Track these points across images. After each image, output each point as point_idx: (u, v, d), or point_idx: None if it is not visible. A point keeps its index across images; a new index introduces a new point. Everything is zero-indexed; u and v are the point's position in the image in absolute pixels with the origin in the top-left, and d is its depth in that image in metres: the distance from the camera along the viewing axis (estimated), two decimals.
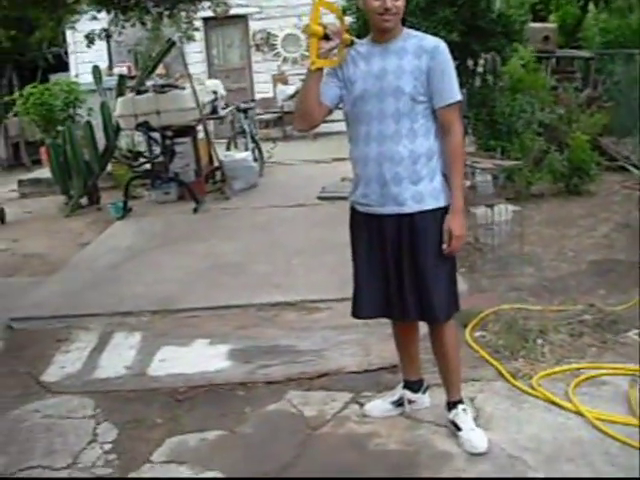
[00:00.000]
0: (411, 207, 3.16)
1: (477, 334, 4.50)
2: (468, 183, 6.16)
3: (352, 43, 3.26)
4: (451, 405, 3.41)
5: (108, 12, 8.58)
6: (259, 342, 4.63)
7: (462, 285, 5.32)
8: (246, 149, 10.03)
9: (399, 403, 3.60)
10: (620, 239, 6.48)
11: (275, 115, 13.81)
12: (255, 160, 9.95)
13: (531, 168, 8.01)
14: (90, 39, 8.51)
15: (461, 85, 7.75)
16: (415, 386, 3.61)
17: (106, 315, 5.27)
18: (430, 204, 3.16)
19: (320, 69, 3.17)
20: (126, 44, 12.02)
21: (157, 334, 4.90)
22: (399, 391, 3.62)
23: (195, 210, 8.33)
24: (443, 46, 3.16)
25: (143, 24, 8.27)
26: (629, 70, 10.35)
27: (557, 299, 5.05)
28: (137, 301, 5.48)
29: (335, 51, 3.19)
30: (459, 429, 3.33)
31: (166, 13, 8.58)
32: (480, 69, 8.51)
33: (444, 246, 3.13)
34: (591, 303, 4.79)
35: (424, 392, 3.63)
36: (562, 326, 4.49)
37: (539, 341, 4.29)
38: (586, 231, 6.82)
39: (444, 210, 3.18)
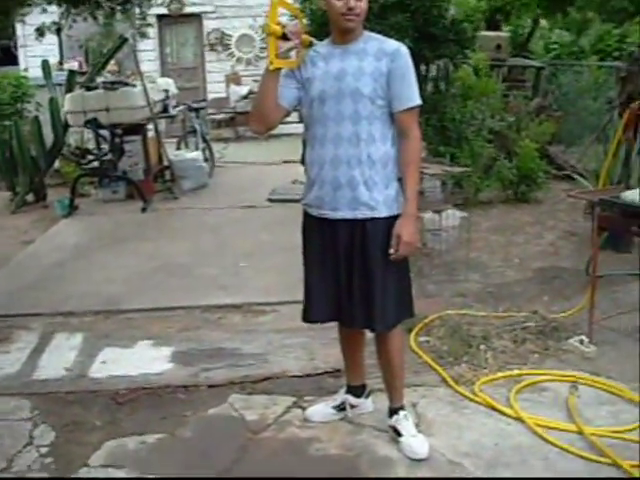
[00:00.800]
0: (364, 214, 3.12)
1: (421, 339, 4.51)
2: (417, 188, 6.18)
3: (311, 44, 3.22)
4: (393, 411, 3.41)
5: (59, 5, 8.42)
6: (203, 345, 4.58)
7: None
8: (197, 149, 9.95)
9: (341, 408, 3.58)
10: (566, 247, 6.57)
11: (228, 115, 13.73)
12: (206, 160, 9.88)
13: (480, 175, 8.09)
14: (40, 32, 8.36)
15: None
16: (358, 391, 3.60)
17: (48, 315, 5.18)
18: (383, 212, 3.13)
19: (278, 70, 3.11)
20: (77, 39, 11.84)
21: (100, 335, 4.81)
22: (341, 396, 3.60)
23: (143, 209, 8.23)
24: (404, 50, 3.13)
25: (95, 19, 8.13)
26: (577, 81, 10.54)
27: (502, 305, 5.10)
28: (81, 301, 5.39)
29: (294, 52, 3.15)
30: (400, 435, 3.32)
31: (119, 8, 8.45)
32: (432, 75, 8.57)
33: (391, 250, 3.09)
34: (534, 310, 4.85)
35: (367, 397, 3.63)
36: (505, 332, 4.54)
37: (482, 347, 4.32)
38: (533, 238, 6.91)
39: (397, 218, 3.15)
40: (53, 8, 8.69)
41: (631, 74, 6.14)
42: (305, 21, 7.39)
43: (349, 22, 3.05)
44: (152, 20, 12.89)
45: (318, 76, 3.14)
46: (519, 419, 3.52)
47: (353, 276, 3.16)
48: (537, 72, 11.31)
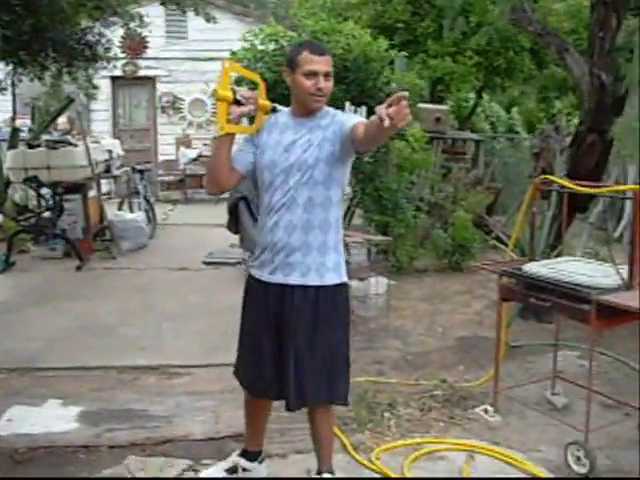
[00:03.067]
0: (313, 281, 3.17)
1: None
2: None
3: (274, 110, 3.29)
4: (319, 472, 3.44)
5: (7, 64, 8.53)
6: (112, 405, 4.57)
7: None
8: (139, 209, 10.01)
9: (233, 470, 3.58)
10: (491, 316, 6.61)
11: (177, 177, 13.86)
12: (148, 221, 9.94)
13: (414, 243, 8.25)
14: None
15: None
16: (253, 455, 3.61)
17: None
18: (331, 280, 3.19)
19: (231, 135, 3.15)
20: (23, 97, 11.94)
21: (10, 392, 4.77)
22: (234, 458, 3.61)
23: (78, 268, 8.23)
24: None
25: (40, 79, 8.24)
26: (513, 154, 10.86)
27: (417, 373, 5.17)
28: None
29: (248, 118, 3.23)
30: None
31: (65, 70, 8.57)
32: None
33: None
34: (443, 379, 4.94)
35: (260, 462, 3.63)
36: (413, 400, 4.61)
37: (386, 414, 4.38)
38: (460, 307, 7.03)
39: (343, 286, 3.24)
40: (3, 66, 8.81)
41: (542, 150, 6.39)
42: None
43: (317, 103, 3.14)
44: (105, 81, 13.13)
45: (271, 145, 3.20)
46: None
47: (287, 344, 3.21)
48: (477, 145, 11.64)
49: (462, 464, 3.80)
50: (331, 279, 3.20)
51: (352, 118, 3.17)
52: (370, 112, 7.69)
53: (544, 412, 4.42)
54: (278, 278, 3.20)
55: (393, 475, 3.68)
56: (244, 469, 3.58)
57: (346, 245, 6.51)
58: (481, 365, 5.33)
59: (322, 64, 3.10)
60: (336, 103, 7.28)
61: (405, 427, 4.27)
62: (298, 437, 3.90)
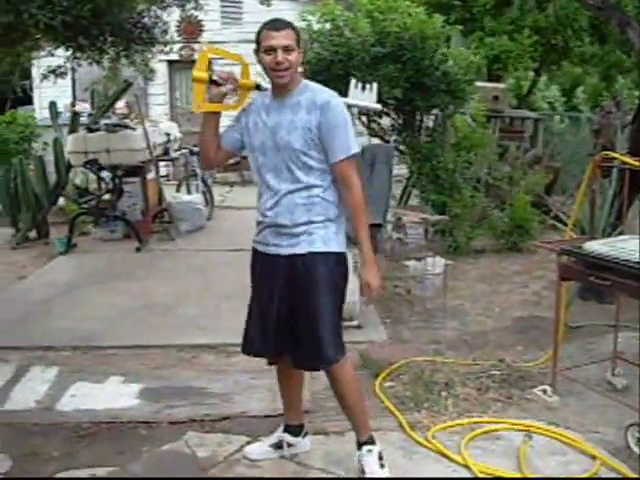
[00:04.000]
0: (303, 248, 3.23)
1: (387, 384, 4.55)
2: (396, 236, 6.28)
3: (258, 87, 3.33)
4: (358, 445, 3.45)
5: (66, 49, 8.65)
6: (172, 382, 4.65)
7: (381, 335, 5.45)
8: (197, 192, 10.11)
9: (278, 446, 3.64)
10: (549, 297, 6.55)
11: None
12: (207, 203, 10.03)
13: (472, 224, 8.17)
14: (44, 75, 8.59)
15: (405, 140, 7.95)
16: (295, 430, 3.66)
17: (28, 348, 5.27)
18: (320, 248, 3.23)
19: (215, 114, 3.26)
20: (82, 81, 12.13)
21: (74, 370, 4.90)
22: (278, 434, 3.67)
23: (138, 249, 8.37)
24: (335, 102, 3.21)
25: (99, 63, 8.33)
26: (576, 132, 10.66)
27: (474, 353, 5.14)
28: (61, 336, 5.48)
29: (230, 96, 3.27)
30: (363, 472, 3.38)
31: (123, 54, 8.65)
32: (430, 124, 8.71)
33: (363, 298, 3.19)
34: (501, 358, 4.89)
35: (304, 437, 3.68)
36: (470, 380, 4.58)
37: (443, 394, 4.36)
38: (518, 287, 6.95)
39: (335, 255, 3.27)
40: (63, 52, 8.94)
41: (603, 126, 6.24)
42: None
43: (279, 78, 3.16)
44: (162, 65, 13.24)
45: (260, 127, 3.26)
46: (466, 466, 3.55)
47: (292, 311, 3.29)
48: (535, 123, 11.45)
49: (520, 444, 3.77)
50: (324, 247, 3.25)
51: (335, 145, 3.17)
52: (425, 89, 7.64)
53: (603, 393, 4.36)
54: (286, 250, 3.26)
55: (447, 453, 3.67)
56: (289, 444, 3.64)
57: (403, 225, 6.51)
58: (539, 346, 5.26)
59: (279, 38, 3.11)
60: (391, 83, 7.33)
61: (462, 406, 4.25)
62: None
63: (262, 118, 3.26)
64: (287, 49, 3.12)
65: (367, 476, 3.35)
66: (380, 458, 3.41)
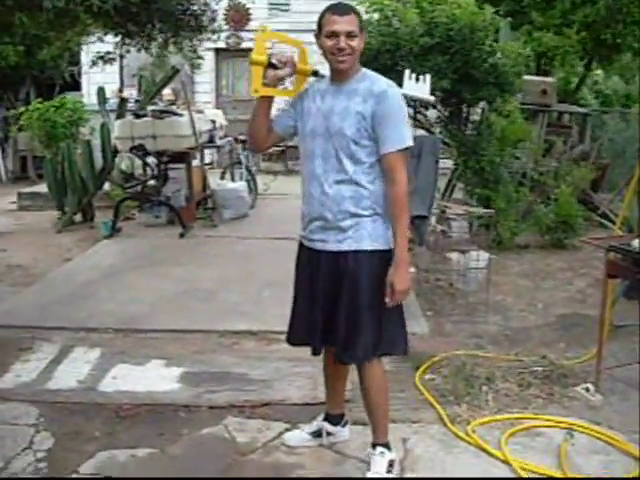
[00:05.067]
0: (350, 246, 3.18)
1: (427, 377, 4.53)
2: (440, 228, 6.23)
3: (316, 74, 3.29)
4: (372, 445, 3.42)
5: (115, 35, 8.73)
6: (213, 367, 4.68)
7: (423, 328, 5.42)
8: (241, 179, 10.15)
9: (317, 434, 3.64)
10: (594, 295, 6.47)
11: (278, 149, 13.92)
12: (250, 191, 10.06)
13: (516, 219, 8.09)
14: (93, 61, 8.67)
15: (451, 132, 7.88)
16: (335, 419, 3.66)
17: (71, 329, 5.35)
18: (367, 246, 3.17)
19: (269, 98, 3.22)
20: (130, 68, 12.23)
21: (116, 351, 4.96)
22: (319, 422, 3.67)
23: (181, 235, 8.43)
24: (392, 91, 3.13)
25: (147, 50, 8.39)
26: (625, 128, 10.47)
27: (516, 349, 5.08)
28: (104, 318, 5.55)
29: (290, 81, 3.25)
30: (369, 470, 3.36)
31: (171, 40, 8.70)
32: (476, 117, 8.63)
33: (386, 299, 3.11)
34: (543, 355, 4.84)
35: (344, 426, 3.68)
36: (511, 375, 4.54)
37: (484, 388, 4.33)
38: (562, 284, 6.87)
39: (382, 253, 3.19)
40: (112, 38, 9.02)
41: None
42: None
43: (340, 63, 3.09)
44: (209, 53, 13.28)
45: (312, 113, 3.21)
46: (506, 462, 3.52)
47: (337, 305, 3.24)
48: (583, 119, 11.27)
49: (561, 442, 3.73)
50: (372, 245, 3.20)
51: (388, 136, 3.10)
52: (473, 81, 7.56)
53: None
54: (331, 246, 3.22)
55: (487, 447, 3.64)
56: (328, 433, 3.64)
57: (447, 218, 6.46)
58: (583, 344, 5.19)
59: (343, 24, 3.05)
60: (439, 75, 7.27)
61: (503, 402, 4.22)
62: (394, 406, 3.88)
63: (316, 103, 3.21)
64: (350, 35, 3.06)
65: (370, 475, 3.33)
66: (390, 465, 3.35)
